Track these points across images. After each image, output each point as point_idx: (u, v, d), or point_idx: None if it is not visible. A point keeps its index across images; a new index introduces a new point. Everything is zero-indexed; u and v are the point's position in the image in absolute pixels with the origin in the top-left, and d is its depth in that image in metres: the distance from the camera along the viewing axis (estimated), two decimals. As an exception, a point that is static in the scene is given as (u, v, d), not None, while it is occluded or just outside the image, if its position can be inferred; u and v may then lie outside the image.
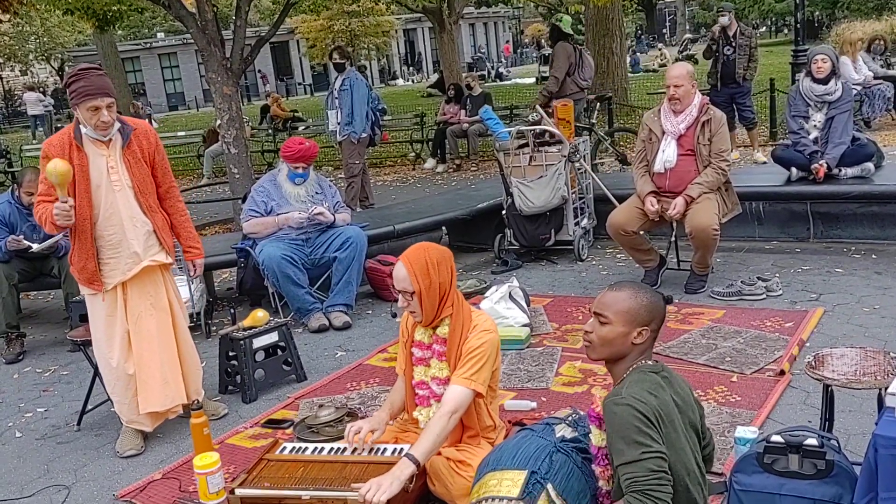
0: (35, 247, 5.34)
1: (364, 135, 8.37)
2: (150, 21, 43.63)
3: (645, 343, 2.34)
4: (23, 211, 5.50)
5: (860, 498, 1.98)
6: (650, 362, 2.34)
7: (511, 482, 2.50)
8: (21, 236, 5.41)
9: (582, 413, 2.68)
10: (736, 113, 8.86)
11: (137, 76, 41.43)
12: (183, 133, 16.94)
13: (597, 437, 2.43)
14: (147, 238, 3.70)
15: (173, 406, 3.78)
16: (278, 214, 5.23)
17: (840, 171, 5.84)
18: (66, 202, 3.43)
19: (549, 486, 2.48)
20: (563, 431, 2.69)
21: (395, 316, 3.14)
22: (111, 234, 3.63)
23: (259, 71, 40.26)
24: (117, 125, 3.60)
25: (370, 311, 5.59)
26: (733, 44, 8.61)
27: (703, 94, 5.31)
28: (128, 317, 3.70)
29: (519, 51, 53.68)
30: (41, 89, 29.60)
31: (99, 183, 3.59)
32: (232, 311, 4.59)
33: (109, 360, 3.72)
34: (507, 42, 55.03)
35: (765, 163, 8.41)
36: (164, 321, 3.76)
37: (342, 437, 3.33)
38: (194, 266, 4.06)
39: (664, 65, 26.17)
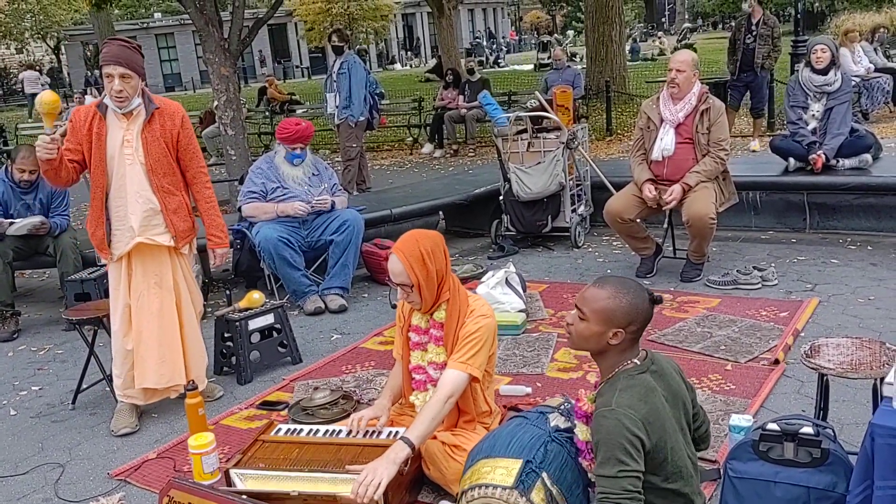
0: (12, 228, 5.29)
1: (362, 118, 8.36)
2: (147, 0, 43.41)
3: (622, 344, 2.27)
4: (16, 189, 5.48)
5: (856, 486, 1.99)
6: (636, 361, 2.28)
7: (505, 470, 2.49)
8: None
9: (573, 401, 2.67)
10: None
11: (134, 56, 41.11)
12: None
13: (583, 433, 2.44)
14: (148, 216, 3.66)
15: (170, 385, 3.77)
16: (279, 201, 5.20)
17: (838, 162, 5.85)
18: (50, 134, 3.44)
19: (545, 475, 2.48)
20: (557, 421, 2.68)
21: (395, 307, 3.13)
22: (118, 207, 3.65)
23: (260, 51, 40.13)
24: (137, 101, 3.59)
25: (366, 295, 5.59)
26: (754, 32, 8.56)
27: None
28: (130, 293, 3.71)
29: (518, 37, 53.53)
30: (37, 68, 29.35)
31: (113, 154, 3.60)
32: (227, 292, 4.58)
33: (115, 330, 3.77)
34: (512, 29, 55.11)
35: (755, 151, 8.41)
36: (169, 302, 3.75)
37: (337, 420, 3.34)
38: (215, 255, 3.99)
39: (662, 53, 26.15)
